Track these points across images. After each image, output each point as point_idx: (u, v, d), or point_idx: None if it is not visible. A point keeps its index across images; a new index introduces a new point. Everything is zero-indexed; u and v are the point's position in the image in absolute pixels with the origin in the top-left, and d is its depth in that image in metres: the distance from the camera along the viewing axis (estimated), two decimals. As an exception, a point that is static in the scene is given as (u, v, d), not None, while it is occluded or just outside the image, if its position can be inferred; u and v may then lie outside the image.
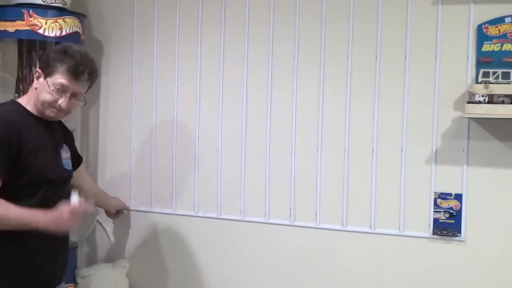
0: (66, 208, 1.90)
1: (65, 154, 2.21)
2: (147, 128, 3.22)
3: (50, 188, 2.04)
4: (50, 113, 2.07)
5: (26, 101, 2.10)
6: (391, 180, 2.72)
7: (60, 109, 2.06)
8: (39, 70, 2.06)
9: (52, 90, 2.01)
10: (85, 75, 2.06)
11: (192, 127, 3.11)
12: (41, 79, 2.04)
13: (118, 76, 3.30)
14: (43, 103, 2.04)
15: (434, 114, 2.65)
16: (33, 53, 2.93)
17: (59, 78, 2.01)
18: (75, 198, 1.91)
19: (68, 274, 2.73)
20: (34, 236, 2.00)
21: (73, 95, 2.07)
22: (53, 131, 2.16)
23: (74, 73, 2.02)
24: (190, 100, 3.11)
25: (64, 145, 2.22)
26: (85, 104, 2.22)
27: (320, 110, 2.84)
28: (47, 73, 2.03)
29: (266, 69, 2.94)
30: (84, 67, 2.05)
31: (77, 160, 2.44)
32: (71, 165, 2.24)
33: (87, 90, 2.18)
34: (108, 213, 3.10)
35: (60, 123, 2.28)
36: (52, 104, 2.04)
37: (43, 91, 2.03)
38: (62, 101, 2.03)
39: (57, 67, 2.01)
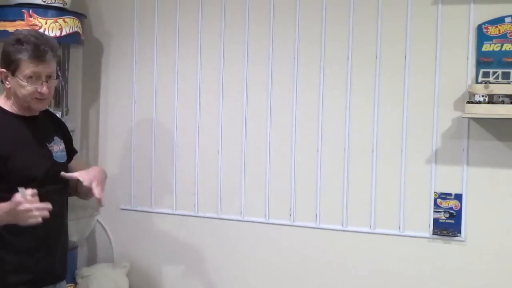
0: (16, 199, 1.85)
1: (57, 146, 2.15)
2: (147, 128, 3.22)
3: (38, 186, 2.01)
4: (35, 104, 2.04)
5: (4, 102, 2.06)
6: (391, 180, 2.72)
7: (42, 96, 2.03)
8: (4, 70, 2.02)
9: (27, 83, 1.99)
10: (49, 53, 2.01)
11: (192, 127, 3.11)
12: (10, 78, 2.02)
13: (118, 76, 3.30)
14: (25, 98, 2.01)
15: (434, 114, 2.65)
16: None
17: (27, 68, 1.97)
18: (22, 191, 1.86)
19: (68, 274, 2.72)
20: (26, 236, 1.99)
21: (48, 77, 2.04)
22: (38, 126, 2.11)
23: (38, 56, 1.98)
24: (190, 100, 3.11)
25: (56, 137, 2.16)
26: (58, 78, 2.13)
27: (320, 110, 2.84)
28: (13, 69, 1.99)
29: (266, 69, 2.94)
30: (44, 46, 1.99)
31: (71, 152, 2.38)
32: (65, 157, 2.18)
33: (57, 66, 2.13)
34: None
35: (48, 116, 2.23)
36: (34, 95, 2.01)
37: (18, 88, 2.00)
38: (41, 88, 2.00)
39: (20, 59, 1.97)
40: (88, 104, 3.38)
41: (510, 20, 2.51)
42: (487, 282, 2.59)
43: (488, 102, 2.43)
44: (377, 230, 2.75)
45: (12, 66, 1.99)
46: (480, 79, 2.53)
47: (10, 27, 2.81)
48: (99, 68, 3.35)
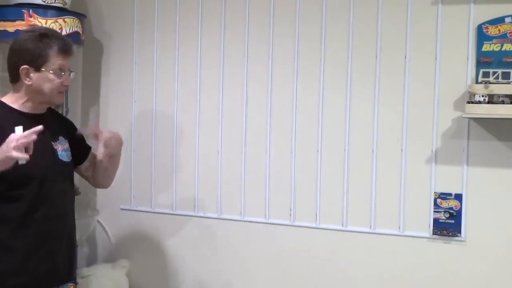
0: (10, 137, 1.85)
1: (62, 146, 2.16)
2: (147, 128, 3.22)
3: (39, 185, 2.02)
4: (59, 97, 2.11)
5: (13, 100, 2.06)
6: (391, 180, 2.72)
7: (65, 89, 2.12)
8: (26, 67, 2.03)
9: (55, 76, 2.04)
10: (73, 48, 2.13)
11: (192, 127, 3.11)
12: (33, 74, 2.02)
13: (118, 76, 3.30)
14: (51, 92, 2.05)
15: (434, 114, 2.65)
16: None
17: (56, 61, 2.03)
18: (18, 130, 1.87)
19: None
20: (24, 237, 1.98)
21: (68, 70, 2.12)
22: (43, 124, 2.13)
23: (66, 50, 2.07)
24: (190, 100, 3.11)
25: (61, 137, 2.18)
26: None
27: (320, 110, 2.84)
28: (39, 65, 2.02)
29: (266, 69, 2.94)
30: (69, 41, 2.12)
31: (84, 149, 2.39)
32: (70, 157, 2.19)
33: None
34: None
35: (55, 115, 2.25)
36: (60, 89, 2.08)
37: (44, 82, 2.02)
38: (65, 81, 2.08)
39: (48, 53, 2.02)
40: (88, 104, 3.38)
41: (510, 20, 2.51)
42: (487, 282, 2.59)
43: (488, 102, 2.43)
44: (377, 230, 2.75)
45: (37, 62, 2.02)
46: (480, 79, 2.53)
47: (10, 27, 2.81)
48: (99, 68, 3.35)
